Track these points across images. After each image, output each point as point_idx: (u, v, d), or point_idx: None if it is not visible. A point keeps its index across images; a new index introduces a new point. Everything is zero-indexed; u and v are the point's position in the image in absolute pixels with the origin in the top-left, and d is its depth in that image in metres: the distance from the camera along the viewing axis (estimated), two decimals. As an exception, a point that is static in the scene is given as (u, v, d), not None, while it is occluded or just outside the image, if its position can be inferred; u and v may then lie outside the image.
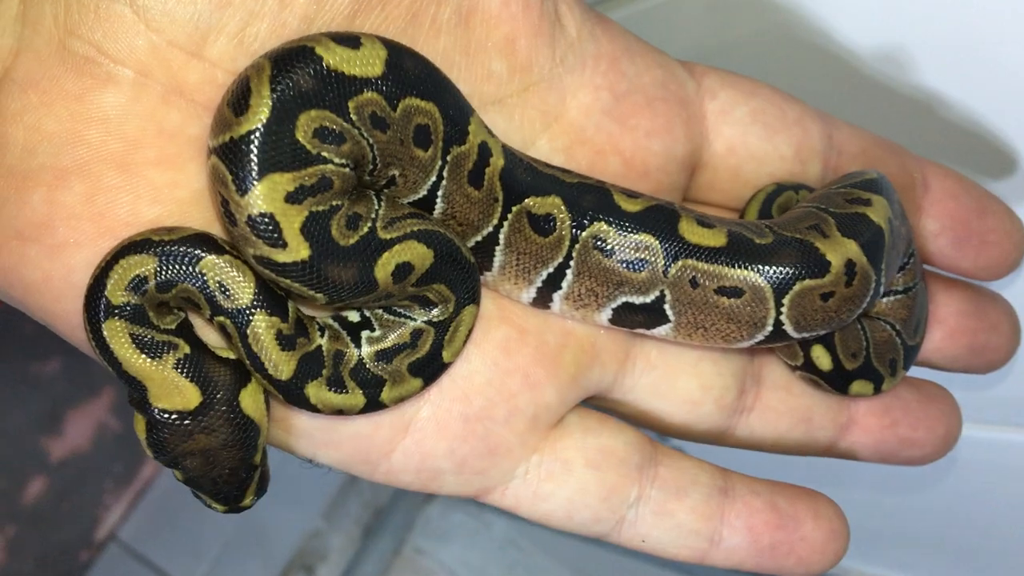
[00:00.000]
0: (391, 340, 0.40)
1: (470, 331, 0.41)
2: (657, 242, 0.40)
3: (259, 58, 0.35)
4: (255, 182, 0.33)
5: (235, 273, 0.37)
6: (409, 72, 0.36)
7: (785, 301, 0.40)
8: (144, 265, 0.36)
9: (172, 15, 0.34)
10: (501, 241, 0.40)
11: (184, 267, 0.36)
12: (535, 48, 0.40)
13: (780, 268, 0.39)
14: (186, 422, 0.37)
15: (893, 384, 0.47)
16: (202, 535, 1.31)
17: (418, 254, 0.38)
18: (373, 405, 0.39)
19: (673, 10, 0.61)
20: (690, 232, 0.40)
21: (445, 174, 0.38)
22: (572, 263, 0.40)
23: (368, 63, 0.35)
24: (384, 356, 0.39)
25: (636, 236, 0.40)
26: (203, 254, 0.36)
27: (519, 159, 0.40)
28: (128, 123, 0.34)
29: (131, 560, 1.30)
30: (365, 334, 0.40)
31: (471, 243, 0.40)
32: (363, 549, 1.35)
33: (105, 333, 0.36)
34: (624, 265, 0.40)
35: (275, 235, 0.34)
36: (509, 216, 0.39)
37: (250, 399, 0.38)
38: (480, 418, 0.41)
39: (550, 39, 0.40)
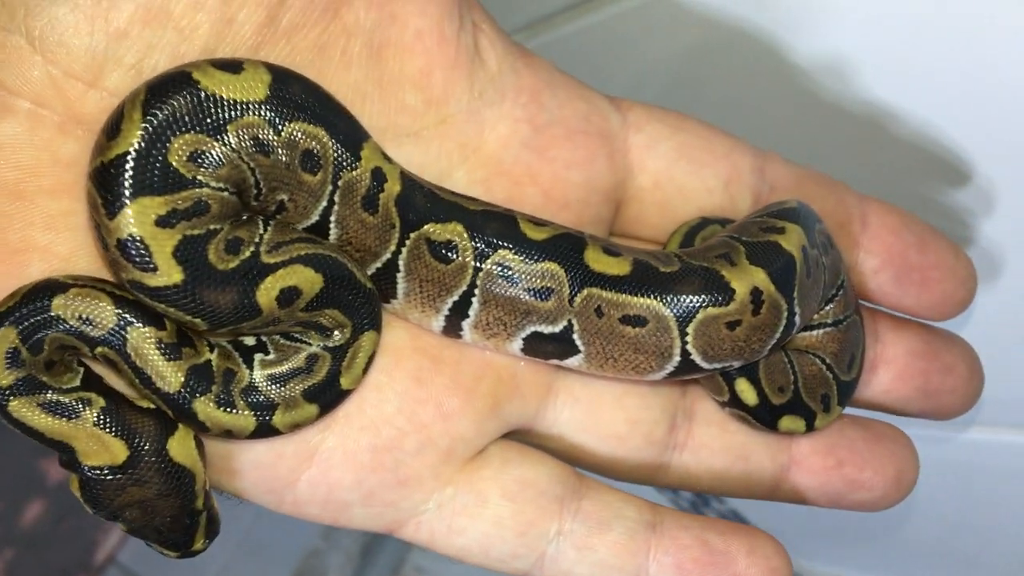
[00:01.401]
0: (285, 365, 0.39)
1: (371, 358, 0.40)
2: (562, 271, 0.39)
3: (139, 85, 0.34)
4: (124, 206, 0.33)
5: (89, 300, 0.36)
6: (295, 96, 0.35)
7: (689, 330, 0.39)
8: (7, 339, 0.36)
9: (68, 46, 0.34)
10: (401, 268, 0.39)
11: (39, 319, 0.36)
12: (451, 81, 0.40)
13: (683, 296, 0.39)
14: (117, 476, 0.37)
15: (828, 421, 0.46)
16: (201, 557, 1.30)
17: (305, 278, 0.37)
18: (264, 429, 0.39)
19: (639, 20, 0.60)
20: (595, 260, 0.39)
21: (336, 199, 0.37)
22: (477, 291, 0.39)
23: (250, 87, 0.35)
24: (277, 380, 0.39)
25: (541, 264, 0.39)
26: (49, 299, 0.36)
27: (419, 185, 0.39)
28: (23, 152, 0.35)
29: (130, 582, 1.30)
30: (259, 357, 0.39)
31: (371, 269, 0.39)
32: (361, 568, 1.34)
33: (15, 415, 0.37)
34: (530, 294, 0.39)
35: (146, 259, 0.34)
36: (407, 242, 0.39)
37: (179, 446, 0.38)
38: (389, 448, 0.41)
39: (468, 72, 0.40)
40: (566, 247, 0.39)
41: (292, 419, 0.39)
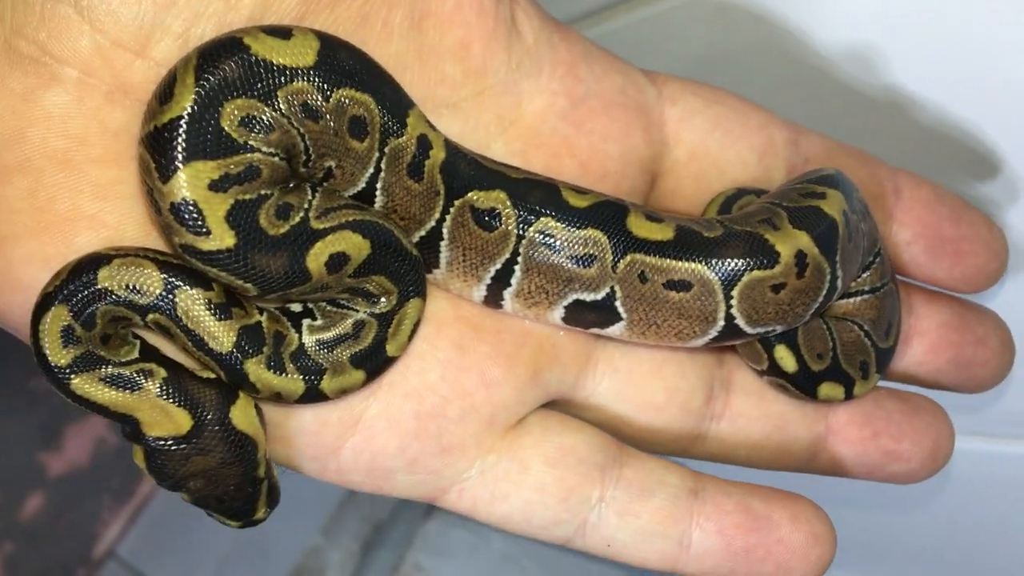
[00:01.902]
0: (333, 331, 0.39)
1: (416, 325, 0.40)
2: (605, 237, 0.39)
3: (191, 51, 0.35)
4: (177, 169, 0.34)
5: (134, 268, 0.37)
6: (343, 63, 0.36)
7: (734, 293, 0.39)
8: (60, 317, 0.36)
9: (116, 15, 0.34)
10: (445, 236, 0.39)
11: (88, 293, 0.36)
12: (490, 53, 0.40)
13: (728, 260, 0.39)
14: (181, 446, 0.38)
15: (866, 388, 0.46)
16: (201, 551, 1.30)
17: (354, 244, 0.37)
18: (313, 394, 0.39)
19: (680, 17, 0.60)
20: (638, 227, 0.40)
21: (383, 166, 0.38)
22: (520, 259, 0.40)
23: (299, 53, 0.35)
24: (325, 345, 0.39)
25: (583, 231, 0.39)
26: (95, 273, 0.36)
27: (463, 153, 0.39)
28: (72, 121, 0.35)
29: (129, 577, 1.30)
30: (306, 322, 0.39)
31: (416, 238, 0.40)
32: (362, 565, 1.34)
33: (78, 392, 0.37)
34: (572, 261, 0.39)
35: (199, 223, 0.34)
36: (451, 210, 0.39)
37: (241, 414, 0.38)
38: (433, 416, 0.41)
39: (506, 44, 0.40)
40: (609, 213, 0.40)
41: (340, 384, 0.39)
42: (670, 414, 0.45)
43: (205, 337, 0.37)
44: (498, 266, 0.40)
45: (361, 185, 0.38)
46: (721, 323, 0.41)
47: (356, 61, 0.36)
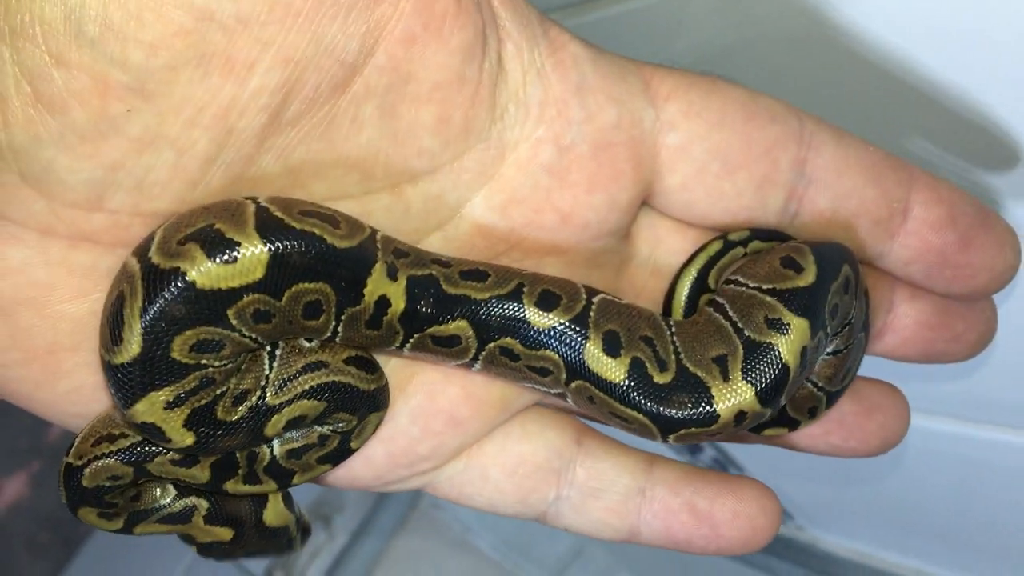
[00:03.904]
0: (300, 443, 0.42)
1: (378, 425, 0.42)
2: (561, 361, 0.40)
3: (133, 263, 0.35)
4: (134, 403, 0.36)
5: (104, 467, 0.40)
6: (295, 263, 0.35)
7: (671, 438, 0.41)
8: (88, 514, 0.42)
9: (64, 183, 0.33)
10: (406, 352, 0.40)
11: (88, 492, 0.41)
12: (473, 116, 0.38)
13: (668, 414, 0.40)
14: (226, 547, 0.45)
15: (811, 424, 0.47)
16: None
17: (309, 407, 0.39)
18: (283, 487, 0.43)
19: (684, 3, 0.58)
20: (593, 360, 0.40)
21: (340, 329, 0.38)
22: (479, 363, 0.41)
23: (247, 272, 0.34)
24: (295, 454, 0.42)
25: (542, 351, 0.40)
26: (78, 481, 0.40)
27: (426, 287, 0.39)
28: (37, 271, 0.35)
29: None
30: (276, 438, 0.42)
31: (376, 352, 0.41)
32: (379, 502, 1.36)
33: (143, 533, 0.44)
34: (529, 369, 0.41)
35: (159, 436, 0.37)
36: (411, 341, 0.40)
37: (272, 514, 0.45)
38: (404, 453, 0.44)
39: (490, 102, 0.38)
40: (569, 340, 0.40)
41: (308, 477, 0.43)
42: None
43: (185, 479, 0.41)
44: (458, 363, 0.41)
45: (320, 342, 0.40)
46: (659, 442, 0.42)
47: (308, 254, 0.36)
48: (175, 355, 0.35)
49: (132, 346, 0.34)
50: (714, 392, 0.40)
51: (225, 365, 0.37)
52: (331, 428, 0.41)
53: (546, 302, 0.40)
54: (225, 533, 0.44)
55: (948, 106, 0.51)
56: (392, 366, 0.42)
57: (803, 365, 0.41)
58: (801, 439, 0.47)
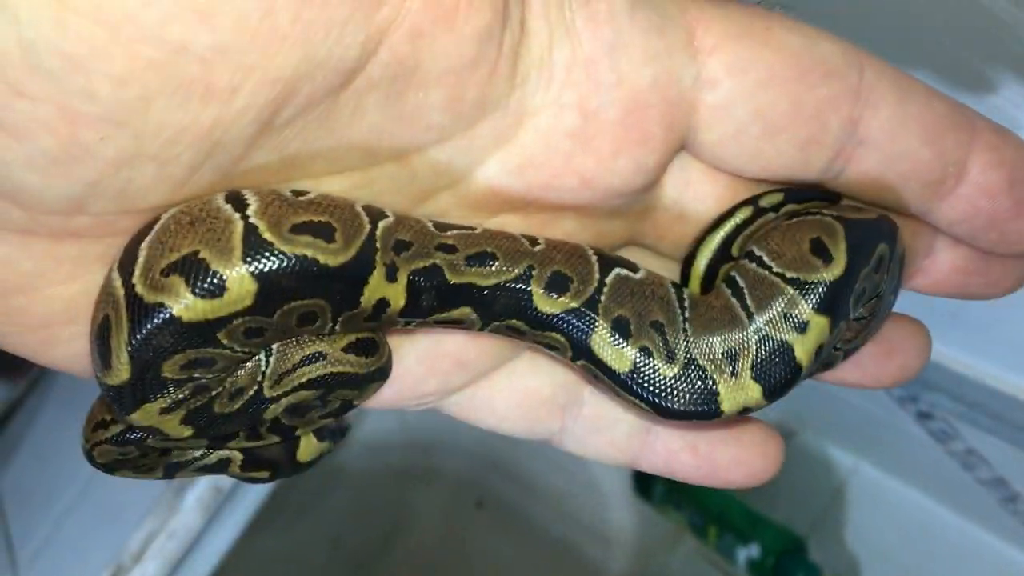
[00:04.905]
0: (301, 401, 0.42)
1: (381, 385, 0.42)
2: (568, 343, 0.40)
3: (115, 281, 0.33)
4: (129, 413, 0.36)
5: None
6: (286, 288, 0.33)
7: (670, 423, 0.42)
8: (125, 450, 0.42)
9: (41, 199, 0.31)
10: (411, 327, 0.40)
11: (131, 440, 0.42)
12: (488, 92, 0.34)
13: (671, 407, 0.39)
14: (266, 480, 0.47)
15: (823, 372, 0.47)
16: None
17: (308, 395, 0.39)
18: (288, 439, 0.44)
19: None
20: (600, 348, 0.39)
21: (338, 328, 0.37)
22: (485, 334, 0.41)
23: (235, 302, 0.33)
24: (297, 412, 0.41)
25: (547, 333, 0.40)
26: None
27: (429, 279, 0.37)
28: (23, 264, 0.34)
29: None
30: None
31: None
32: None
33: (177, 476, 0.46)
34: (536, 342, 0.41)
35: (158, 434, 0.37)
36: (412, 324, 0.39)
37: (305, 451, 0.46)
38: (411, 390, 0.44)
39: (510, 72, 0.34)
40: (576, 326, 0.39)
41: (310, 429, 0.44)
42: None
43: (184, 444, 0.42)
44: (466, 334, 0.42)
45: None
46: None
47: (301, 279, 0.34)
48: (166, 374, 0.35)
49: (122, 373, 0.34)
50: (720, 389, 0.39)
51: (219, 376, 0.37)
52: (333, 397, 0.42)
53: (555, 285, 0.39)
54: (262, 474, 0.46)
55: None
56: None
57: (816, 361, 0.40)
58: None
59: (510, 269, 0.39)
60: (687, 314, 0.40)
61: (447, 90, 0.34)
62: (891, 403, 1.04)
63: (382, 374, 0.41)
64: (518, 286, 0.39)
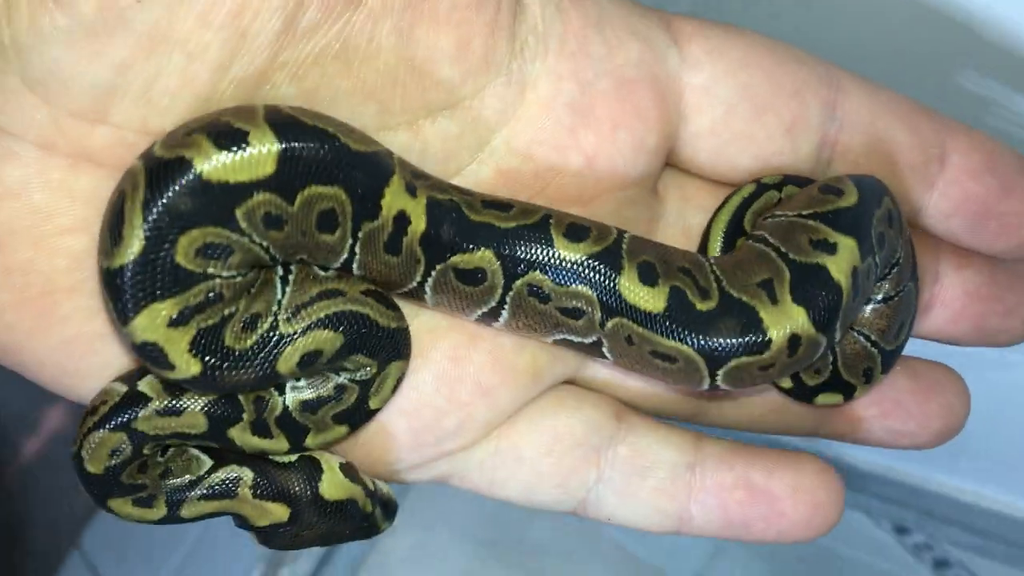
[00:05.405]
0: (315, 393, 0.39)
1: (400, 380, 0.40)
2: (595, 295, 0.38)
3: (136, 163, 0.33)
4: (133, 316, 0.33)
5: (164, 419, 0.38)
6: (308, 160, 0.33)
7: (719, 372, 0.39)
8: (124, 506, 0.39)
9: (68, 86, 0.32)
10: (428, 291, 0.38)
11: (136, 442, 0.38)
12: (492, 46, 0.37)
13: (715, 343, 0.38)
14: (288, 529, 0.41)
15: (868, 391, 0.45)
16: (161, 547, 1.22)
17: (325, 340, 0.37)
18: (297, 449, 0.40)
19: None
20: (629, 290, 0.38)
21: (358, 249, 0.36)
22: (507, 306, 0.39)
23: (257, 165, 0.33)
24: (308, 407, 0.39)
25: (573, 287, 0.38)
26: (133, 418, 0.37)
27: (447, 210, 0.37)
28: (36, 195, 0.34)
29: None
30: (290, 384, 0.39)
31: (396, 293, 0.39)
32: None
33: (191, 516, 0.40)
34: (560, 312, 0.39)
35: (161, 360, 0.34)
36: (433, 273, 0.38)
37: (329, 486, 0.41)
38: (430, 429, 0.41)
39: (510, 32, 0.38)
40: (601, 270, 0.38)
41: (323, 439, 0.40)
42: (670, 396, 0.45)
43: (182, 431, 0.38)
44: (484, 310, 0.39)
45: (336, 265, 0.37)
46: (706, 387, 0.40)
47: (321, 151, 0.34)
48: (179, 259, 0.33)
49: (132, 245, 0.32)
50: (763, 316, 0.38)
51: (234, 278, 0.34)
52: (349, 377, 0.39)
53: (575, 233, 0.39)
54: (280, 511, 0.40)
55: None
56: (414, 330, 0.40)
57: (855, 289, 0.39)
58: (858, 427, 0.46)
59: (527, 216, 0.38)
60: (712, 263, 0.40)
61: (455, 33, 0.36)
62: (905, 555, 1.02)
63: (403, 343, 0.39)
64: (538, 232, 0.38)
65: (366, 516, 0.42)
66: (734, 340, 0.37)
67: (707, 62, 0.41)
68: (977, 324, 0.45)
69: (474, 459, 0.42)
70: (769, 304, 0.38)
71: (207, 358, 0.35)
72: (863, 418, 0.46)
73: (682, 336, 0.38)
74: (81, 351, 0.37)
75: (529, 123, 0.39)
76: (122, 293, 0.33)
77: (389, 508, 0.43)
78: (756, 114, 0.41)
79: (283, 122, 0.33)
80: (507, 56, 0.38)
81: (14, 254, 0.34)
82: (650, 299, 0.38)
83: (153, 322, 0.33)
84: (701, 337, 0.37)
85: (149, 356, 0.34)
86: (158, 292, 0.33)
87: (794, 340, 0.38)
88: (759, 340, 0.37)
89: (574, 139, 0.40)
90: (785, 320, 0.37)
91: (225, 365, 0.35)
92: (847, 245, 0.39)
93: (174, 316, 0.33)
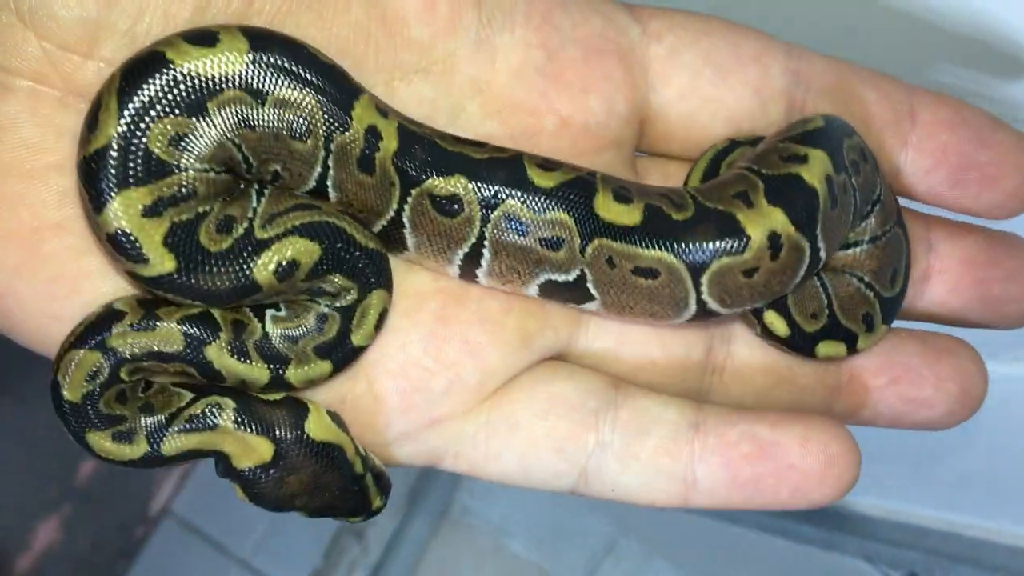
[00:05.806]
0: (296, 322, 0.39)
1: (383, 314, 0.39)
2: (572, 220, 0.38)
3: (114, 71, 0.34)
4: (108, 201, 0.34)
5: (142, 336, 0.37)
6: (276, 61, 0.35)
7: (703, 280, 0.38)
8: (102, 440, 0.38)
9: (58, 19, 0.34)
10: (407, 224, 0.38)
11: (113, 364, 0.37)
12: (459, 10, 0.39)
13: (694, 246, 0.38)
14: (272, 472, 0.39)
15: (873, 340, 0.44)
16: (248, 509, 1.32)
17: (302, 249, 0.37)
18: (278, 382, 0.39)
19: None
20: (605, 209, 0.38)
21: (331, 164, 0.37)
22: (487, 242, 0.39)
23: (228, 59, 0.35)
24: (289, 338, 0.39)
25: (549, 215, 0.38)
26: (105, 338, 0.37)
27: (420, 137, 0.38)
28: (26, 130, 0.35)
29: (186, 533, 1.34)
30: (270, 312, 0.39)
31: (377, 227, 0.39)
32: (410, 511, 1.36)
33: (172, 453, 0.38)
34: (540, 243, 0.39)
35: (136, 252, 0.34)
36: (409, 199, 0.38)
37: (316, 426, 0.39)
38: (419, 390, 0.41)
39: (476, 0, 0.39)
40: (575, 194, 0.39)
41: (306, 374, 0.39)
42: (669, 369, 0.44)
43: (158, 347, 0.37)
44: (465, 249, 0.39)
45: (312, 183, 0.38)
46: (693, 307, 0.39)
47: (291, 56, 0.35)
48: (153, 147, 0.34)
49: (108, 128, 0.33)
50: (740, 217, 0.38)
51: (207, 172, 0.35)
52: (328, 304, 0.39)
53: (547, 165, 0.39)
54: (264, 447, 0.39)
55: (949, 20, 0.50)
56: (401, 294, 0.40)
57: (833, 199, 0.39)
58: (868, 399, 0.44)
59: (501, 152, 0.39)
60: (688, 188, 0.40)
61: None
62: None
63: (383, 268, 0.39)
64: (511, 164, 0.39)
65: (356, 478, 0.40)
66: (713, 243, 0.38)
67: (668, 33, 0.42)
68: (981, 292, 0.44)
69: (467, 432, 0.41)
70: (745, 208, 0.38)
71: (182, 254, 0.35)
72: (872, 387, 0.44)
73: (661, 244, 0.38)
74: (65, 291, 0.37)
75: (502, 89, 0.40)
76: (98, 179, 0.34)
77: (382, 481, 0.41)
78: (722, 77, 0.42)
79: (255, 31, 0.35)
80: (474, 23, 0.39)
81: (2, 186, 0.35)
82: (626, 214, 0.38)
83: (127, 208, 0.34)
84: (680, 243, 0.38)
85: (123, 248, 0.34)
86: (131, 180, 0.34)
87: (774, 239, 0.38)
88: (737, 237, 0.38)
89: (547, 102, 0.41)
90: (762, 219, 0.38)
91: (200, 265, 0.35)
92: (818, 155, 0.39)
93: (148, 204, 0.34)
